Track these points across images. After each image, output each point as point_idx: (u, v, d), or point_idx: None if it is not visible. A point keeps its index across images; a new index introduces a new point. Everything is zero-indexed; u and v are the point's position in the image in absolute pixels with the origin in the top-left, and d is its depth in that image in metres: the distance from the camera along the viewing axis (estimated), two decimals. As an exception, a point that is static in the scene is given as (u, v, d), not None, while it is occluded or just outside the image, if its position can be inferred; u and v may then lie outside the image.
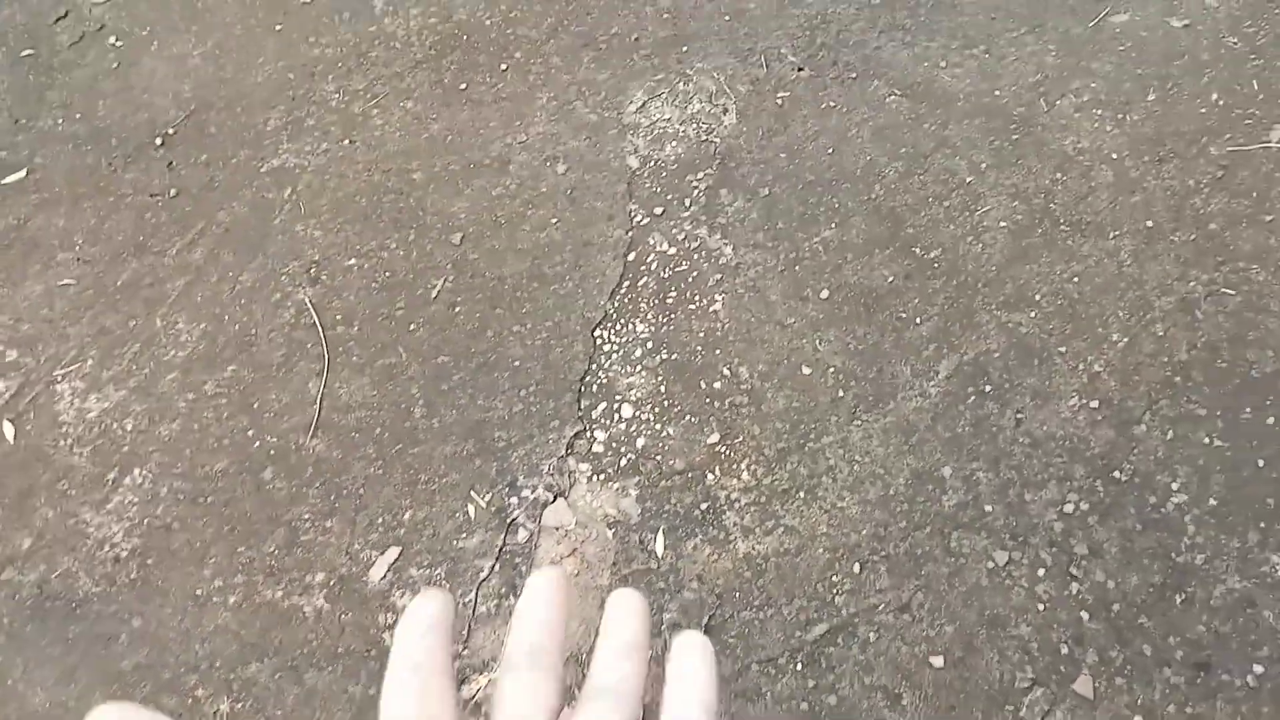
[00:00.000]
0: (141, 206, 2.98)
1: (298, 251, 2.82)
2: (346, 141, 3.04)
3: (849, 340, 2.42)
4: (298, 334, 2.66)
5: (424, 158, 2.95)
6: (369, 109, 3.10)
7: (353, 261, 2.77)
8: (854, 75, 2.88)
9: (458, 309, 2.63)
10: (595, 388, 2.45)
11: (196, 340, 2.70)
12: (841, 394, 2.35)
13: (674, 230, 2.69)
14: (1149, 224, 2.46)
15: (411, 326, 2.63)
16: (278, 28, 3.39)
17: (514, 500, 2.31)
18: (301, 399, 2.55)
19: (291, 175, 2.99)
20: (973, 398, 2.29)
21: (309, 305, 2.71)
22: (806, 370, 2.39)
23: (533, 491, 2.32)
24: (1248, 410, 2.18)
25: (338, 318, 2.67)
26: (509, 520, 2.29)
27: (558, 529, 2.27)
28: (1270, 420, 2.16)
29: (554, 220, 2.76)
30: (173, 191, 3.01)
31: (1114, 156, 2.58)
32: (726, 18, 3.10)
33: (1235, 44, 2.73)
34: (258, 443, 2.50)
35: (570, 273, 2.65)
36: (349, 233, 2.83)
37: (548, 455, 2.36)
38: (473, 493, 2.34)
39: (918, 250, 2.53)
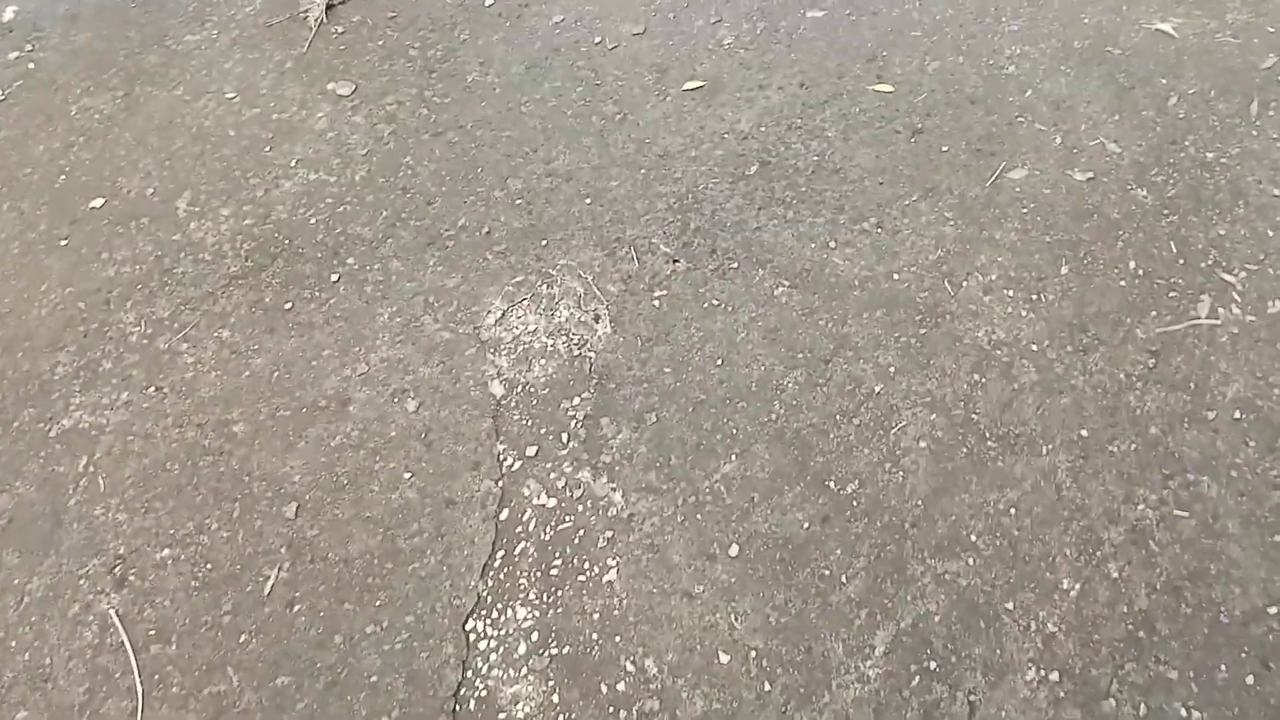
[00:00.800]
0: (-102, 504, 2.43)
1: (99, 544, 2.32)
2: (152, 389, 2.55)
3: (769, 611, 2.06)
4: (103, 659, 2.17)
5: (246, 404, 2.49)
6: (177, 344, 2.62)
7: (166, 552, 2.29)
8: (735, 265, 2.54)
9: (297, 608, 2.18)
10: (473, 703, 2.03)
11: (-25, 680, 2.18)
12: (768, 687, 1.98)
13: (552, 475, 2.29)
14: (1083, 433, 2.17)
15: (242, 637, 2.16)
16: (63, 242, 2.89)
17: None
18: (111, 753, 2.06)
19: (87, 439, 2.49)
20: (917, 679, 1.95)
21: (115, 619, 2.21)
22: (724, 657, 2.02)
23: None
24: (1222, 668, 1.90)
25: (151, 633, 2.19)
26: None
27: None
28: (1249, 679, 1.88)
29: (408, 475, 2.33)
30: (-60, 474, 2.47)
31: (1034, 348, 2.29)
32: (587, 200, 2.73)
33: (1145, 198, 2.50)
34: (57, 825, 1.99)
35: (432, 545, 2.23)
36: (160, 513, 2.35)
37: (422, 811, 1.93)
38: None
39: (832, 484, 2.19)
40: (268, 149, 3.01)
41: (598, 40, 3.11)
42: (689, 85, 2.93)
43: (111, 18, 3.52)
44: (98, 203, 2.97)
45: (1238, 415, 2.16)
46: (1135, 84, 2.73)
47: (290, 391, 2.50)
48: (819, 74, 2.90)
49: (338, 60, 3.22)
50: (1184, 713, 1.86)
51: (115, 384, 2.58)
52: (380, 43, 3.25)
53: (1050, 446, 2.16)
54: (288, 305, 2.66)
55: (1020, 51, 2.85)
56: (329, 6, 3.32)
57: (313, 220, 2.82)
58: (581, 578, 2.15)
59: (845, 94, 2.84)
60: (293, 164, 2.96)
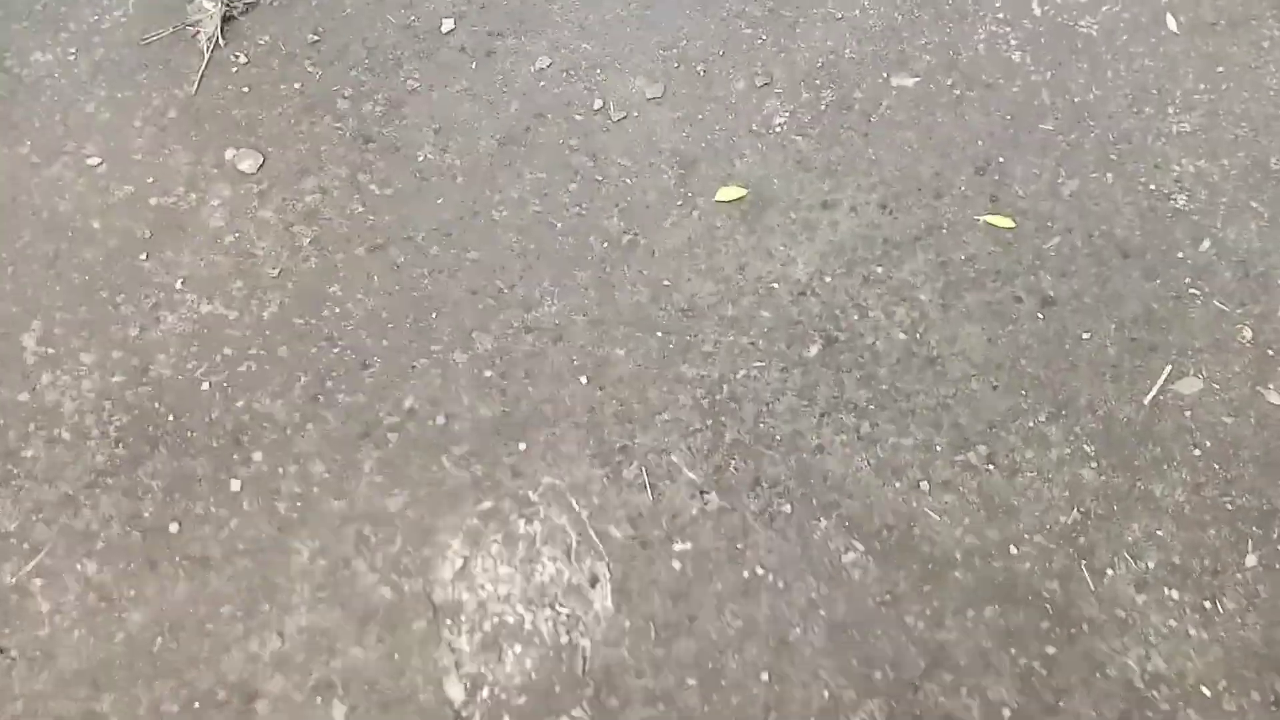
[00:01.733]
0: None
1: None
2: (-5, 652, 1.89)
3: None
4: None
5: (121, 687, 1.84)
6: (28, 580, 1.94)
7: None
8: (788, 507, 1.84)
9: None
10: None
11: None
12: None
13: (531, 831, 1.69)
14: (1274, 842, 1.56)
15: None
16: (-128, 396, 2.13)
17: None
18: None
19: (-92, 728, 1.85)
20: None
21: None
22: None
23: None
24: None
25: None
26: None
27: None
28: None
29: (338, 822, 1.72)
30: None
31: (1205, 692, 1.65)
32: (583, 378, 1.98)
33: (1366, 443, 1.78)
34: None
35: None
36: None
37: None
38: None
39: None
40: (144, 256, 2.20)
41: (598, 105, 2.24)
42: (724, 194, 2.11)
43: (-70, 17, 2.57)
44: (-84, 331, 2.18)
45: None
46: (1357, 234, 1.94)
47: (179, 671, 1.85)
48: (908, 188, 2.08)
49: (239, 110, 2.33)
50: None
51: (-54, 637, 1.91)
52: (298, 84, 2.35)
53: None
54: (174, 526, 1.95)
55: (1193, 170, 2.03)
56: (226, 19, 2.40)
57: (206, 383, 2.06)
58: None
59: (945, 226, 2.03)
60: (178, 284, 2.16)
